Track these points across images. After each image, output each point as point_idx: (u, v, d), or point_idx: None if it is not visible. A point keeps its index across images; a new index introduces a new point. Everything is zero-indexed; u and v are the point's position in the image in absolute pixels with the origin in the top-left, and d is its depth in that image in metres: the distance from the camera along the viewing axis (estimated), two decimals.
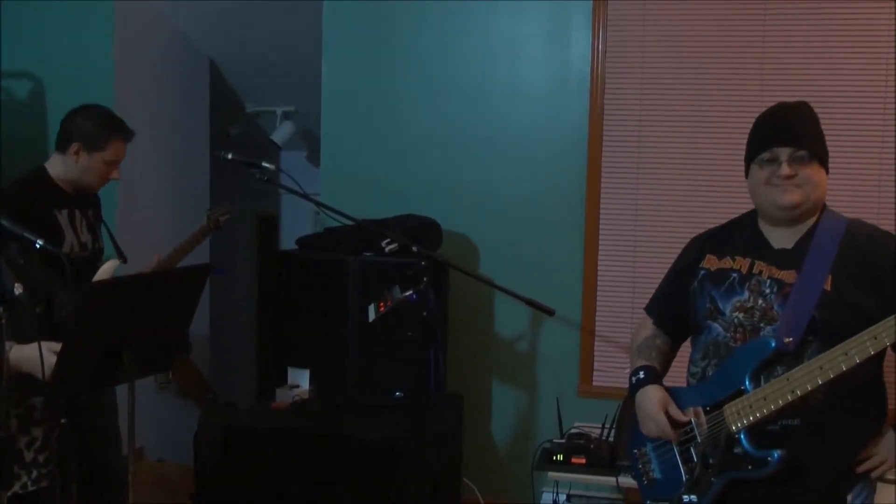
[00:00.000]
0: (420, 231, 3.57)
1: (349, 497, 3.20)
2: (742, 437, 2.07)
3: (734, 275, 2.18)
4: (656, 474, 2.29)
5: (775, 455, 2.03)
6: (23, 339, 2.23)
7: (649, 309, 2.46)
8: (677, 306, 2.31)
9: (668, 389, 2.26)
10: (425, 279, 2.69)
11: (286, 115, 5.48)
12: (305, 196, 2.94)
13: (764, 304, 2.11)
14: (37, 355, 2.11)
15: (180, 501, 3.92)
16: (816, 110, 2.18)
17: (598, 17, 3.74)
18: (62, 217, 3.04)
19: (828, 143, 2.16)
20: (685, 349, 2.38)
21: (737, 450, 2.09)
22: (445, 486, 3.58)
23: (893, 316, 1.89)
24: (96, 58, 4.27)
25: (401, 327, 2.76)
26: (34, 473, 2.41)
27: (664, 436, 2.21)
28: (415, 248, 2.96)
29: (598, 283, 3.82)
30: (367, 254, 3.51)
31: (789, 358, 2.04)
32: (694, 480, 2.17)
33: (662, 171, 3.73)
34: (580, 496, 3.58)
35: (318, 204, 3.06)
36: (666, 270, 2.44)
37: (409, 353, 2.84)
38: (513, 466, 3.92)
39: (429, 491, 3.25)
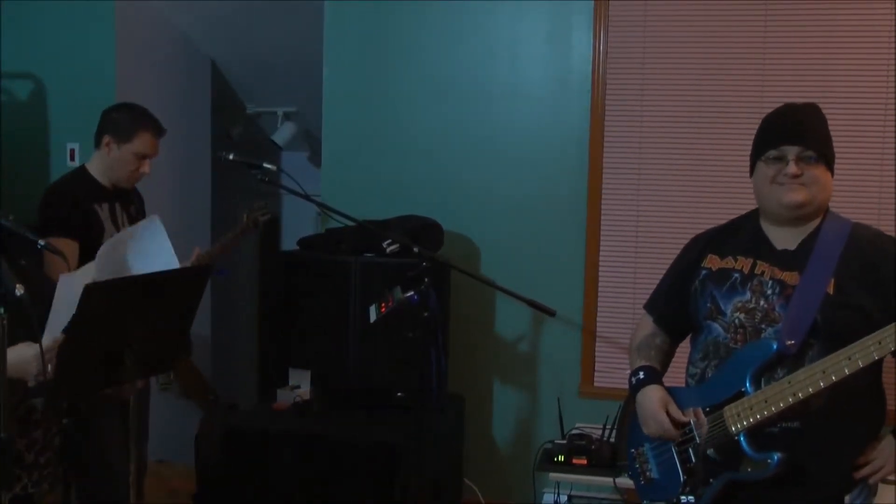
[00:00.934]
0: (421, 232, 3.56)
1: (350, 498, 3.20)
2: (742, 438, 2.07)
3: (736, 275, 2.17)
4: (654, 474, 2.28)
5: (775, 457, 2.02)
6: (14, 342, 2.22)
7: (649, 307, 2.46)
8: (677, 305, 2.31)
9: (667, 389, 2.26)
10: (426, 280, 2.70)
11: (287, 116, 5.47)
12: (307, 197, 2.94)
13: (766, 305, 2.11)
14: (16, 360, 2.12)
15: (181, 502, 3.93)
16: None
17: (599, 18, 3.74)
18: (102, 211, 3.14)
19: None
20: (684, 348, 2.38)
21: (736, 451, 2.08)
22: (446, 486, 3.59)
23: None
24: (97, 58, 4.26)
25: (402, 328, 2.76)
26: (35, 475, 2.41)
27: (665, 435, 2.20)
28: (416, 249, 2.96)
29: (600, 283, 3.81)
30: (369, 254, 3.51)
31: (790, 360, 2.04)
32: (692, 481, 2.17)
33: (663, 172, 3.72)
34: (581, 497, 3.57)
35: (320, 205, 3.07)
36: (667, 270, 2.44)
37: (411, 354, 2.84)
38: (514, 467, 3.92)
39: (430, 492, 3.25)
